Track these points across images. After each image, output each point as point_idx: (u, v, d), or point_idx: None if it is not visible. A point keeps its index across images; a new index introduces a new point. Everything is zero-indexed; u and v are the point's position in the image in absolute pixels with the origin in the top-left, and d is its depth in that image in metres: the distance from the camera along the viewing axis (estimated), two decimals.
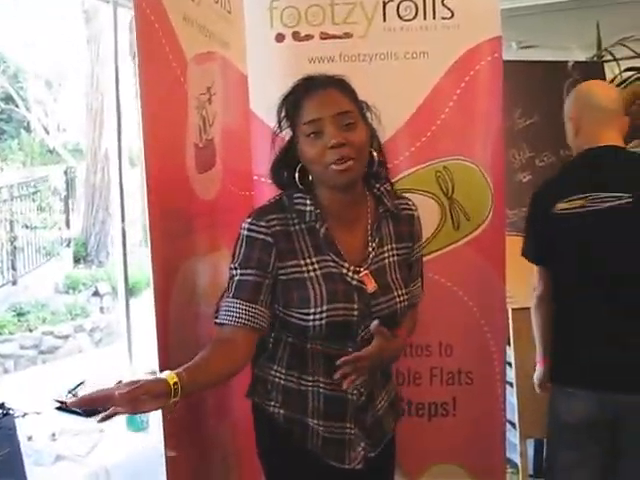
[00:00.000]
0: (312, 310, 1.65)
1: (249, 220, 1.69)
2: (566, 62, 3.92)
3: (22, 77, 12.11)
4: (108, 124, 9.03)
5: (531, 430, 3.47)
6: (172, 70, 1.89)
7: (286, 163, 1.75)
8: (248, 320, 1.64)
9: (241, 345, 1.65)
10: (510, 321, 3.38)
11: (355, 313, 1.68)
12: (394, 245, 1.78)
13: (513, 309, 3.38)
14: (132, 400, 1.36)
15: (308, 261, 1.68)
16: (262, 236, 1.67)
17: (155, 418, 2.44)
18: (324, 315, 1.65)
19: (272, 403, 1.79)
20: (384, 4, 2.54)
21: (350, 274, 1.70)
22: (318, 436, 1.76)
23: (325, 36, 2.57)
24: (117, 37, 3.85)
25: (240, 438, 2.45)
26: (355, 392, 1.75)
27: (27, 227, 9.72)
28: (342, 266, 1.69)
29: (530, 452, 3.61)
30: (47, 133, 12.22)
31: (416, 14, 2.54)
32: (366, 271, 1.70)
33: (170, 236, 1.86)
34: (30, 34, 11.10)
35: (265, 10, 2.57)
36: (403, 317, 1.78)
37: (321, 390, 1.75)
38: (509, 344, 3.23)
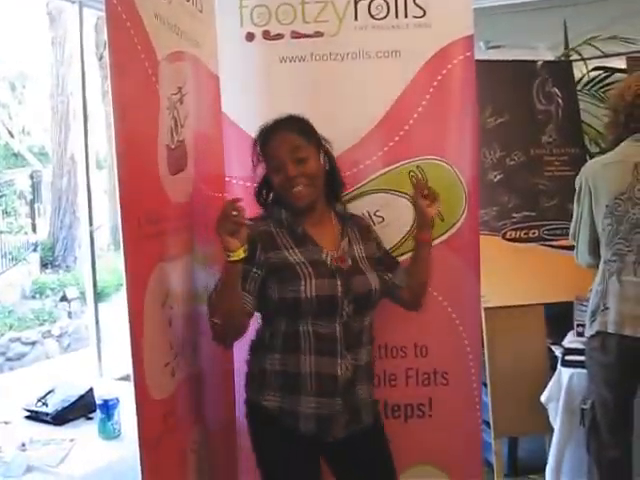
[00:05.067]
0: (303, 284, 1.98)
1: None
2: (535, 61, 3.95)
3: None
4: (74, 127, 8.92)
5: (505, 429, 3.49)
6: (144, 69, 1.85)
7: (266, 188, 2.17)
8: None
9: None
10: (483, 321, 3.40)
11: (339, 288, 2.02)
12: (361, 246, 2.18)
13: (486, 308, 3.40)
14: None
15: (292, 251, 2.05)
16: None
17: (128, 426, 2.39)
18: (313, 288, 1.99)
19: (267, 396, 2.07)
20: (355, 3, 2.52)
21: (329, 259, 2.07)
22: (309, 417, 2.03)
23: (296, 35, 2.55)
24: (82, 38, 3.79)
25: (214, 442, 2.42)
26: (344, 370, 2.03)
27: None
28: (321, 252, 2.07)
29: (504, 451, 3.63)
30: (12, 136, 12.04)
31: (388, 13, 2.52)
32: (340, 254, 2.09)
33: (142, 239, 1.83)
34: None
35: (235, 9, 2.54)
36: (378, 298, 2.15)
37: (314, 369, 2.02)
38: (482, 344, 3.24)
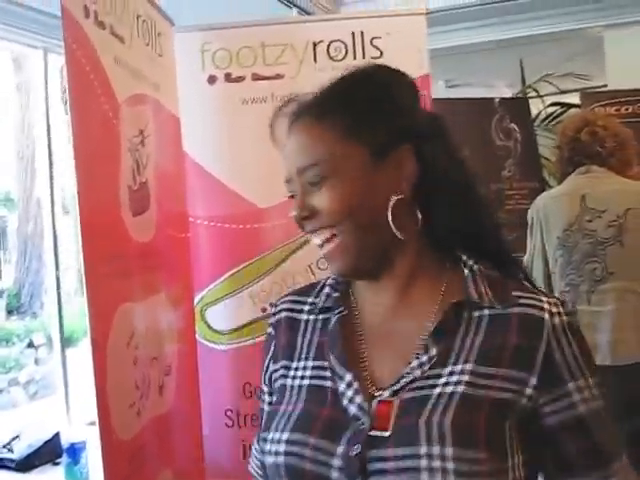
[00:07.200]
0: (271, 435, 1.03)
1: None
2: (492, 99, 4.05)
3: None
4: (40, 172, 8.88)
5: None
6: (104, 112, 1.88)
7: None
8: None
9: None
10: None
11: (336, 463, 0.95)
12: (471, 367, 0.98)
13: None
14: None
15: (301, 364, 1.09)
16: (269, 329, 1.18)
17: (95, 471, 2.37)
18: (281, 449, 1.00)
19: None
20: (314, 45, 2.58)
21: (350, 394, 1.00)
22: None
23: (257, 77, 2.59)
24: (47, 83, 3.81)
25: None
26: None
27: None
28: (342, 379, 1.02)
29: None
30: None
31: (346, 54, 2.59)
32: (391, 398, 0.98)
33: (106, 279, 1.83)
34: None
35: (197, 52, 2.58)
36: None
37: None
38: None
